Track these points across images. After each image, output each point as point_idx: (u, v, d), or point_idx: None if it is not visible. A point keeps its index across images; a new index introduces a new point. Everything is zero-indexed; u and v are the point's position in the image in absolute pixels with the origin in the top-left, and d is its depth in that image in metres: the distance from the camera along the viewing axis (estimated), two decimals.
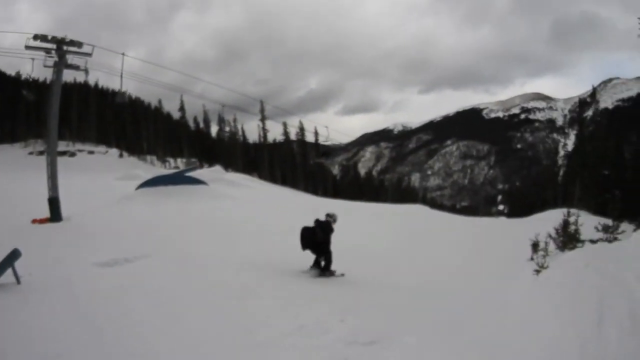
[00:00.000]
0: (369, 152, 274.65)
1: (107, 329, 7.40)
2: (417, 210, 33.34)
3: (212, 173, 38.03)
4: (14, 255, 9.92)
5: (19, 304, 8.54)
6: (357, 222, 21.27)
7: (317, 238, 11.28)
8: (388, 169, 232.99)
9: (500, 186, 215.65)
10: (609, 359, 4.31)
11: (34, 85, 72.27)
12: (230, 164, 71.10)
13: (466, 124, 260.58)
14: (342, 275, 11.57)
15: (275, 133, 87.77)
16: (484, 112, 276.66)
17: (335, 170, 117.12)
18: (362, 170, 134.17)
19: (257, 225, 20.20)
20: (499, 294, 9.12)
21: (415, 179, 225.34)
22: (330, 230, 11.52)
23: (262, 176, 69.29)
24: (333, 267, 11.68)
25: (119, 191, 28.34)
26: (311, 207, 23.14)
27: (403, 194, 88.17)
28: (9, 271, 9.71)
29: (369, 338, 6.94)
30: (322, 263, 11.53)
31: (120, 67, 22.93)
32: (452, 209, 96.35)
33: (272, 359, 6.39)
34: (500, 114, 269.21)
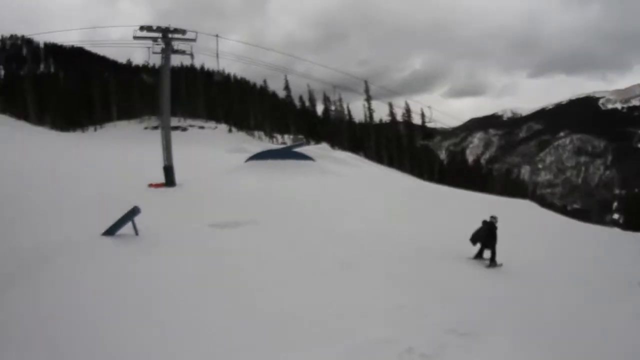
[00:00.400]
0: (477, 139, 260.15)
1: (211, 281, 7.98)
2: (525, 207, 30.34)
3: (318, 150, 37.73)
4: (134, 211, 11.04)
5: (135, 251, 9.74)
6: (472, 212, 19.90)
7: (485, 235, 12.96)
8: (497, 157, 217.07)
9: (617, 191, 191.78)
10: None
11: (145, 70, 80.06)
12: (336, 142, 70.58)
13: (580, 114, 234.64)
14: (501, 265, 12.78)
15: (380, 113, 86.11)
16: (600, 102, 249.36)
17: (442, 154, 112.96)
18: (470, 157, 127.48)
19: (362, 202, 19.73)
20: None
21: (525, 171, 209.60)
22: (495, 228, 13.08)
23: (368, 156, 68.38)
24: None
25: (229, 163, 29.23)
26: (418, 193, 22.17)
27: (512, 187, 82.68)
28: (129, 225, 10.95)
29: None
30: (489, 255, 13.05)
31: (216, 49, 24.49)
32: (563, 211, 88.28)
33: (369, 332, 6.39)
34: (618, 105, 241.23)
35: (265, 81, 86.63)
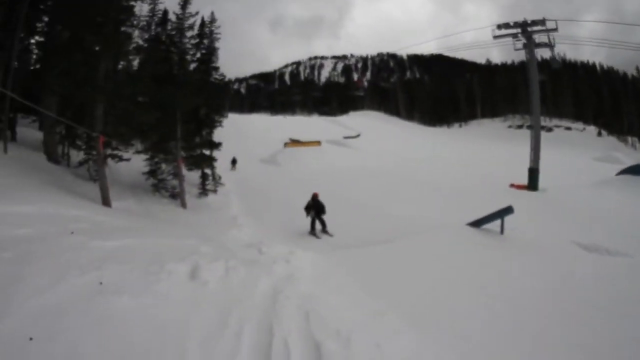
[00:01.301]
0: None
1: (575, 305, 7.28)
2: None
3: None
4: (507, 210, 11.53)
5: (498, 250, 10.27)
6: None
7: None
8: None
9: None
10: None
11: (504, 68, 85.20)
12: None
13: None
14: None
15: None
16: None
17: None
18: None
19: None
20: None
21: None
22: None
23: None
24: None
25: (596, 173, 27.21)
26: None
27: None
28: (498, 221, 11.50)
29: None
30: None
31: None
32: None
33: None
34: None
35: (637, 68, 73.60)
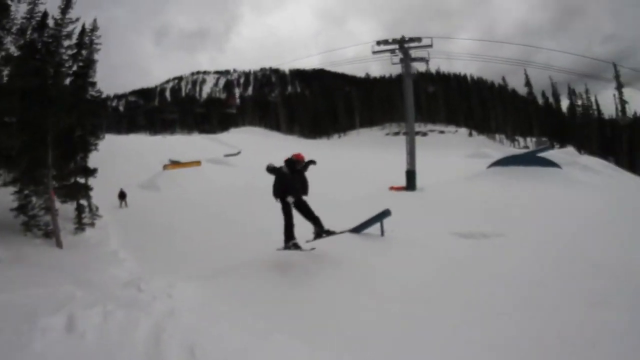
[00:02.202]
0: None
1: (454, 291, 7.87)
2: None
3: (564, 155, 35.01)
4: (385, 213, 11.85)
5: (380, 250, 10.40)
6: None
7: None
8: None
9: None
10: None
11: (382, 81, 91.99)
12: (583, 145, 63.19)
13: None
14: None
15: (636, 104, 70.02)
16: None
17: None
18: None
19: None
20: None
21: None
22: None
23: (620, 162, 58.94)
24: None
25: (470, 168, 29.22)
26: None
27: None
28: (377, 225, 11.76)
29: None
30: None
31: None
32: None
33: None
34: None
35: (503, 78, 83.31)
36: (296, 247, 8.91)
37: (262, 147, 61.15)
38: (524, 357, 5.79)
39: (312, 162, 9.47)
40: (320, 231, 9.20)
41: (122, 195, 27.18)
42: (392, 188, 24.33)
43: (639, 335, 6.11)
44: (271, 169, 9.16)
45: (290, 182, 8.86)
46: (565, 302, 7.24)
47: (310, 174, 9.51)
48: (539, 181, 23.28)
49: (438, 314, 6.91)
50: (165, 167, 40.45)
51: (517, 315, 6.86)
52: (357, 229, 11.95)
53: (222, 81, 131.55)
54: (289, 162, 9.10)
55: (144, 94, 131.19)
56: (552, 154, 33.74)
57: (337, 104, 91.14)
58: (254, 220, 18.74)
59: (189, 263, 13.56)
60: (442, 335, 6.27)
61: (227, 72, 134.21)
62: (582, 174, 26.56)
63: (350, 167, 35.17)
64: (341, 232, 9.94)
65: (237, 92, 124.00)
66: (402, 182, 24.74)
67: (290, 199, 8.73)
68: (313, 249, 9.01)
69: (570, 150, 49.71)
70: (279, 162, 9.36)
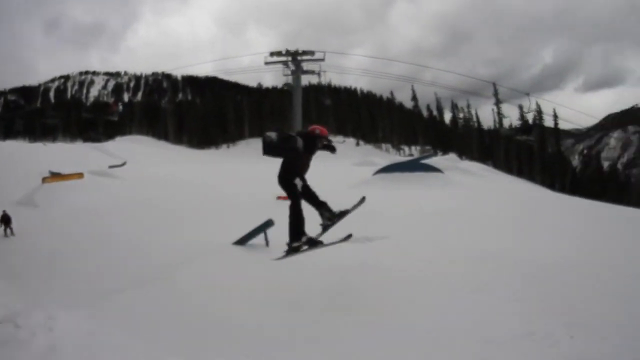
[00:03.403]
0: (614, 139, 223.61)
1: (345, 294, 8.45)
2: None
3: (446, 161, 37.39)
4: (268, 224, 12.30)
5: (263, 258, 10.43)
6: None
7: None
8: (636, 160, 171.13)
9: None
10: None
11: (274, 91, 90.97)
12: (464, 152, 69.64)
13: None
14: None
15: (513, 116, 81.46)
16: None
17: (576, 160, 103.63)
18: (606, 163, 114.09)
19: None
20: None
21: None
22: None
23: (497, 165, 65.69)
24: None
25: (357, 176, 29.85)
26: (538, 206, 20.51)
27: None
28: (261, 235, 12.21)
29: None
30: None
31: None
32: None
33: None
34: None
35: (392, 93, 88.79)
36: (312, 243, 7.14)
37: (149, 158, 58.72)
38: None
39: (332, 146, 7.42)
40: (332, 216, 7.25)
41: (5, 220, 20.99)
42: (280, 197, 24.22)
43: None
44: (282, 140, 7.01)
45: (300, 162, 7.08)
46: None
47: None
48: (422, 185, 24.49)
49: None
50: (44, 179, 37.05)
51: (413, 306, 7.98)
52: (242, 241, 11.97)
53: (111, 84, 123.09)
54: (308, 136, 7.14)
55: (26, 92, 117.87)
56: (435, 160, 35.85)
57: (227, 114, 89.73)
58: (142, 236, 17.65)
59: (73, 289, 12.33)
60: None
61: (117, 74, 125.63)
62: (460, 176, 28.52)
63: (238, 178, 34.61)
64: (354, 208, 7.60)
65: (126, 96, 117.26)
66: None
67: (298, 182, 6.96)
68: (350, 235, 7.56)
69: (452, 156, 53.28)
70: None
